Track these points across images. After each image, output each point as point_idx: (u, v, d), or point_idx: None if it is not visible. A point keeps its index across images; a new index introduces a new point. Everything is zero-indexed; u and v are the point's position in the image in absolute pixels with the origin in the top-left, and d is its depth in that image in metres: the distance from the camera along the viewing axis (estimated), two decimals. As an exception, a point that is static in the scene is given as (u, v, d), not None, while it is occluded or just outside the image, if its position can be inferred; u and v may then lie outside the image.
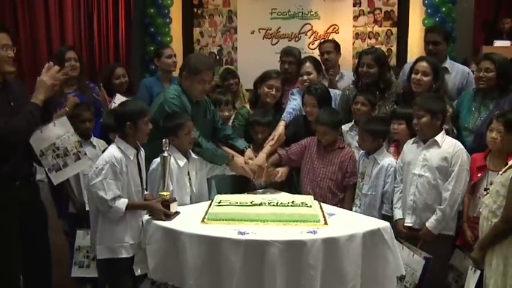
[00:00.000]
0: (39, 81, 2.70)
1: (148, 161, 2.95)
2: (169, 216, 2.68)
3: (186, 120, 3.02)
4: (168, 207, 2.70)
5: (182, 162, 3.00)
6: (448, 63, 3.94)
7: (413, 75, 3.44)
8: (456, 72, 3.90)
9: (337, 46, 4.46)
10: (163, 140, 2.73)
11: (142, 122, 2.76)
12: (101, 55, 5.47)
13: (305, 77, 3.81)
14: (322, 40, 4.88)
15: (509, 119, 2.74)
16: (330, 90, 3.73)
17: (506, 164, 2.61)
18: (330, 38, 5.66)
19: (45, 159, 2.81)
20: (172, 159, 2.89)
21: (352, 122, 3.54)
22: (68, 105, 3.39)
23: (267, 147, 3.44)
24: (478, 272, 2.65)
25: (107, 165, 2.64)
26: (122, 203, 2.65)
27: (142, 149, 2.87)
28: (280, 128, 3.56)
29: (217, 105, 3.58)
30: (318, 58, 4.22)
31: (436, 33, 4.01)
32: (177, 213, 2.75)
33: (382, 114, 3.52)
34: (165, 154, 2.72)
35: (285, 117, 3.63)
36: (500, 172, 2.62)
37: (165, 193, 2.72)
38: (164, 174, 2.73)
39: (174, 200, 2.78)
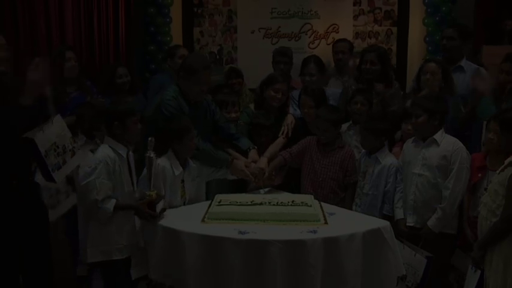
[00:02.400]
0: None
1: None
2: (155, 217, 2.65)
3: (191, 125, 2.95)
4: (154, 209, 2.66)
5: (178, 171, 2.93)
6: (464, 63, 3.92)
7: (422, 76, 3.46)
8: (471, 72, 3.85)
9: (351, 47, 4.52)
10: (149, 139, 2.68)
11: (131, 121, 2.73)
12: (101, 55, 5.45)
13: (307, 78, 3.81)
14: (337, 39, 4.89)
15: (504, 119, 2.72)
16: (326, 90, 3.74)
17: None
18: (331, 37, 5.67)
19: (49, 159, 2.74)
20: (168, 166, 2.87)
21: (350, 122, 3.53)
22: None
23: (269, 150, 3.40)
24: (479, 271, 2.65)
25: (100, 164, 2.61)
26: (111, 203, 2.62)
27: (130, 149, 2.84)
28: (290, 116, 3.56)
29: (224, 107, 3.52)
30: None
31: (452, 29, 4.00)
32: (163, 210, 2.71)
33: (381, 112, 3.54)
34: (151, 155, 2.66)
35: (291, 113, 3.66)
36: (498, 171, 2.61)
37: (150, 193, 2.67)
38: (150, 175, 2.68)
39: (161, 199, 2.73)
